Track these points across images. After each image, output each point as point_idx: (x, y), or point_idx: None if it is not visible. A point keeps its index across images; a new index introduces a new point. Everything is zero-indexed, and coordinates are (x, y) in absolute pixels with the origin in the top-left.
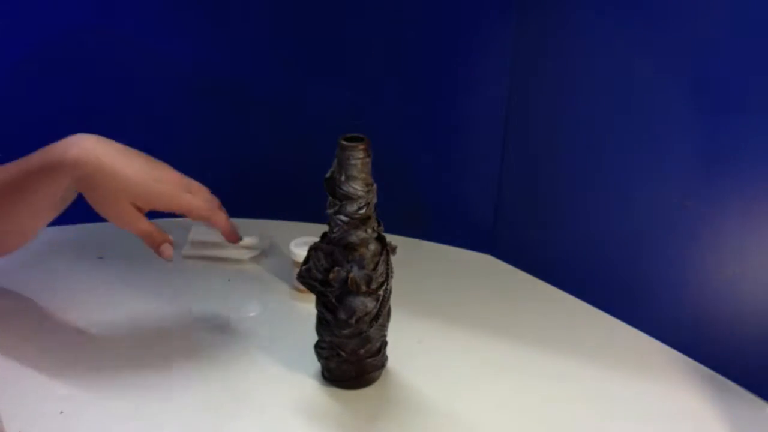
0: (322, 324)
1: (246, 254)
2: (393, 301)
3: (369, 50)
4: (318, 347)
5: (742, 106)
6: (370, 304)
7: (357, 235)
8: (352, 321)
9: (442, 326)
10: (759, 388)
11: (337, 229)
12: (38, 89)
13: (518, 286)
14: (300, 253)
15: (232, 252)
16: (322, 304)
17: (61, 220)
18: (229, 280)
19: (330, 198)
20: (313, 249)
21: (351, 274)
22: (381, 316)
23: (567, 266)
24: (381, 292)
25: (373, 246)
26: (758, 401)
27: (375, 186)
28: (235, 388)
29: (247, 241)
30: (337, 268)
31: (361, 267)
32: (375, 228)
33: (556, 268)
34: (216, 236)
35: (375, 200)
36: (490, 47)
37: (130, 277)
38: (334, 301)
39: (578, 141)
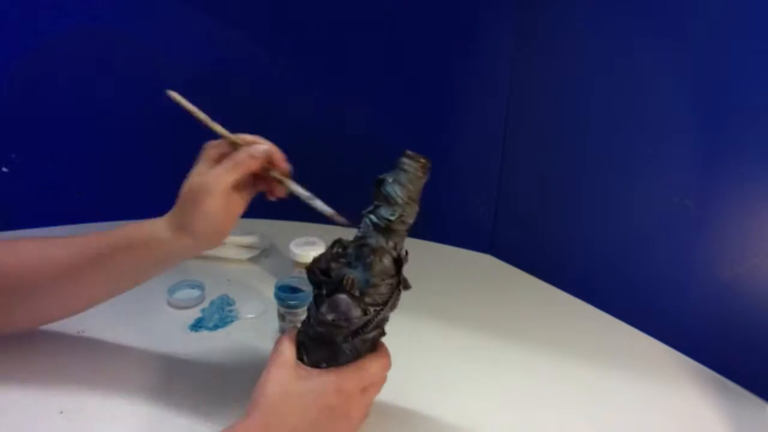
0: (306, 320)
1: (246, 254)
2: None
3: (369, 51)
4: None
5: (743, 106)
6: (355, 311)
7: (377, 240)
8: (330, 318)
9: (442, 326)
10: (759, 388)
11: (362, 228)
12: (39, 89)
13: (518, 286)
14: (300, 253)
15: (232, 252)
16: (314, 297)
17: (62, 219)
18: (228, 280)
19: (373, 201)
20: (336, 241)
21: (354, 273)
22: (361, 334)
23: (567, 266)
24: (372, 311)
25: (387, 262)
26: (758, 401)
27: (417, 208)
28: (235, 388)
29: (247, 240)
30: (342, 260)
31: (365, 268)
32: (396, 247)
33: (556, 268)
34: None
35: (411, 222)
36: (490, 47)
37: None
38: (324, 293)
39: (578, 141)
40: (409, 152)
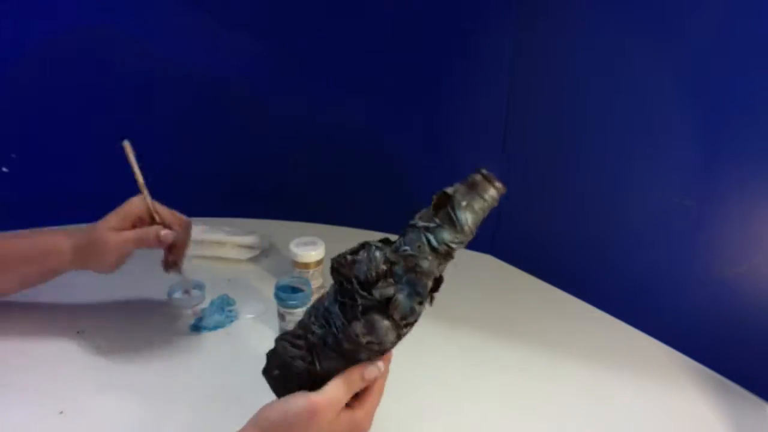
0: (317, 321)
1: (246, 254)
2: None
3: (369, 51)
4: (285, 340)
5: (743, 106)
6: (391, 335)
7: (430, 264)
8: (364, 340)
9: (442, 326)
10: (759, 388)
11: (412, 241)
12: (39, 89)
13: (518, 286)
14: (300, 253)
15: (232, 252)
16: (339, 304)
17: (62, 219)
18: (229, 280)
19: (428, 210)
20: (373, 246)
21: (399, 296)
22: (385, 353)
23: (567, 266)
24: (404, 333)
25: (430, 284)
26: (758, 401)
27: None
28: (236, 388)
29: (247, 240)
30: (390, 280)
31: (414, 294)
32: (442, 273)
33: (556, 268)
34: (216, 236)
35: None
36: (490, 47)
37: (128, 278)
38: (359, 307)
39: (578, 141)
40: (487, 173)
